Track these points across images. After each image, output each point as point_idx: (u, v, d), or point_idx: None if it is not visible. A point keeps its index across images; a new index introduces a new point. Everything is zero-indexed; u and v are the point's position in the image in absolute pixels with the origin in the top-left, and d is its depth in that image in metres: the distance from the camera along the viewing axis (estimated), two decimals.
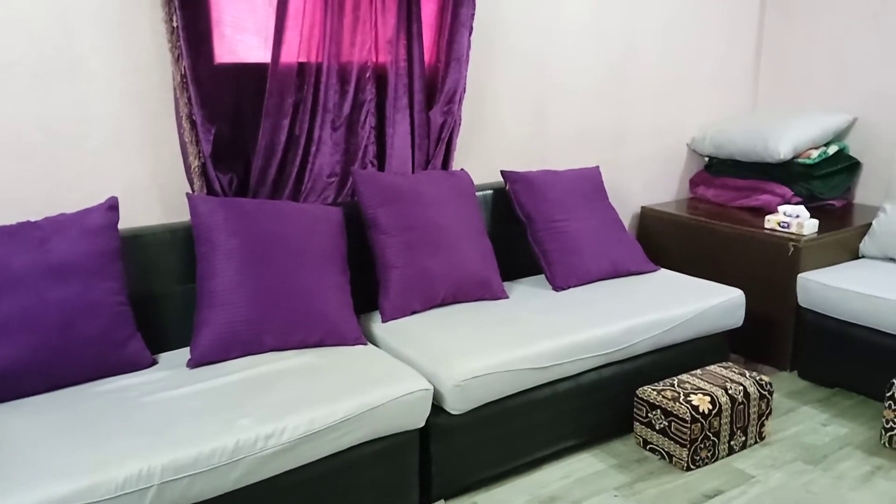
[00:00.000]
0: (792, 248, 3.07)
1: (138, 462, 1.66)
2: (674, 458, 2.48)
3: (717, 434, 2.48)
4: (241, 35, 2.50)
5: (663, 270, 3.13)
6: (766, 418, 2.63)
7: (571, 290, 2.88)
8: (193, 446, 1.73)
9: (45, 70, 2.22)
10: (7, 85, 2.18)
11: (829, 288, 2.94)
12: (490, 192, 3.06)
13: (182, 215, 2.50)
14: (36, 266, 1.99)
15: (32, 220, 2.08)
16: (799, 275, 3.05)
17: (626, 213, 3.75)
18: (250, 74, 2.52)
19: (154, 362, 2.19)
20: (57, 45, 2.22)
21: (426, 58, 2.85)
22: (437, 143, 2.93)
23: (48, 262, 2.01)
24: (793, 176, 3.54)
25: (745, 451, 2.58)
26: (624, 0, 3.48)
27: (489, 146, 3.23)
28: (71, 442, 1.73)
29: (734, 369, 2.67)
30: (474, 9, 2.87)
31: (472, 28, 2.88)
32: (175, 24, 2.28)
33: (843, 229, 3.26)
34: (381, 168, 2.82)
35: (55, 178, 2.29)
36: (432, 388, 2.14)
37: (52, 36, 2.21)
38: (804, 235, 3.09)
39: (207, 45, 2.41)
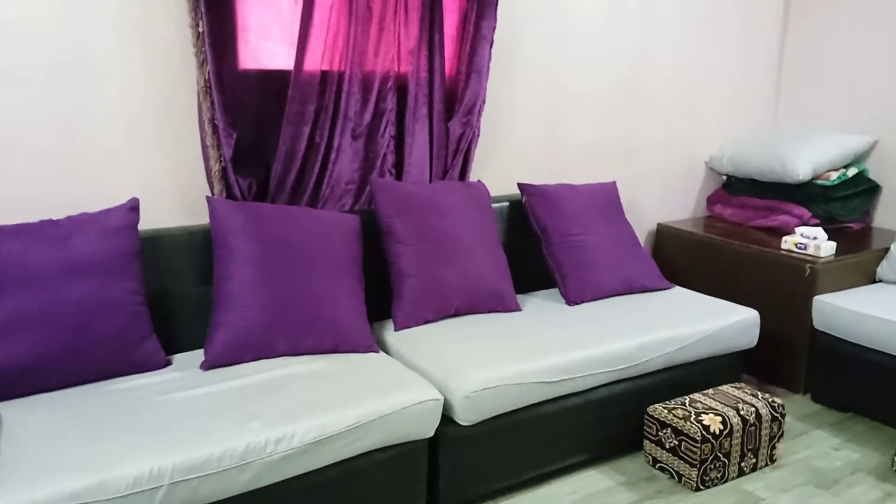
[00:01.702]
0: (809, 270, 3.05)
1: (149, 461, 1.68)
2: (683, 478, 2.47)
3: (727, 455, 2.46)
4: (266, 42, 2.53)
5: (678, 288, 3.12)
6: (778, 441, 2.61)
7: (585, 304, 2.88)
8: (204, 448, 1.75)
9: (66, 72, 2.25)
10: (28, 86, 2.20)
11: (845, 311, 2.91)
12: (506, 204, 3.07)
13: (201, 218, 2.53)
14: (55, 264, 2.01)
15: (54, 218, 2.12)
16: (815, 297, 3.03)
17: (642, 229, 3.74)
18: (273, 81, 2.55)
19: (168, 363, 2.21)
20: (79, 48, 2.25)
21: (447, 69, 2.87)
22: (455, 154, 2.94)
23: (68, 261, 2.03)
24: (811, 197, 3.53)
25: (755, 474, 2.56)
26: (641, 14, 3.49)
27: (506, 158, 3.24)
28: (83, 439, 1.75)
29: (747, 390, 2.65)
30: (496, 22, 2.88)
31: (493, 41, 2.90)
32: (201, 30, 2.31)
33: (860, 252, 3.23)
34: (398, 177, 2.84)
35: (76, 179, 2.32)
36: (443, 398, 2.14)
37: (74, 39, 2.24)
38: (821, 257, 3.08)
39: (232, 50, 2.44)
